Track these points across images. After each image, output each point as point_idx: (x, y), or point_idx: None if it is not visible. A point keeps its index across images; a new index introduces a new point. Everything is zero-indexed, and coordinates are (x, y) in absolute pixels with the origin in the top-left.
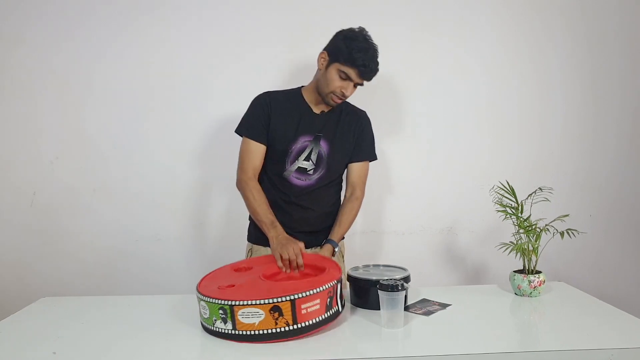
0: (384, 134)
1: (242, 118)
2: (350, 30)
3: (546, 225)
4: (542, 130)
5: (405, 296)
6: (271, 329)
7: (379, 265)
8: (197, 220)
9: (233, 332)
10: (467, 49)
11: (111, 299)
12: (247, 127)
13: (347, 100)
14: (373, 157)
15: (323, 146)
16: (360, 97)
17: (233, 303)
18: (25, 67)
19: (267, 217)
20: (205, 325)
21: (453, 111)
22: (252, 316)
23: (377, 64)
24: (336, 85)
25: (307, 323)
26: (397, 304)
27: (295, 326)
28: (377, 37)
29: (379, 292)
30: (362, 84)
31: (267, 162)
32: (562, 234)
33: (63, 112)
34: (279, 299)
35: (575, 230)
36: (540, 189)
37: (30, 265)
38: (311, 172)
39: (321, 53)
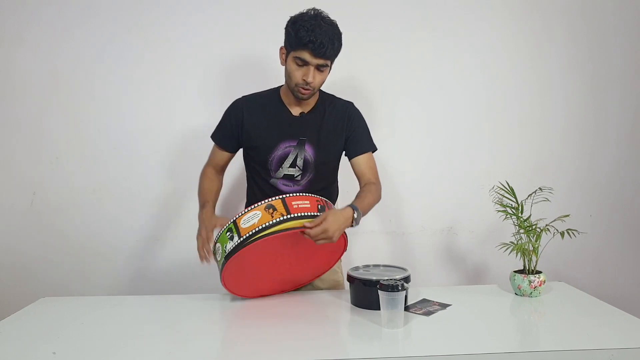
0: (384, 134)
1: (217, 125)
2: (298, 14)
3: (546, 225)
4: (542, 130)
5: (405, 296)
6: (269, 222)
7: (379, 265)
8: (197, 220)
9: (239, 240)
10: (467, 49)
11: (111, 299)
12: (216, 134)
13: (332, 93)
14: (373, 148)
15: (308, 150)
16: (360, 97)
17: (235, 218)
18: (26, 68)
19: (202, 199)
20: (220, 260)
21: (453, 111)
22: (251, 219)
23: (330, 37)
24: (297, 75)
25: (300, 214)
26: (397, 304)
27: (289, 215)
28: (377, 37)
29: (379, 292)
30: (325, 65)
31: (253, 170)
32: (562, 234)
33: (63, 113)
34: (271, 199)
35: (576, 230)
36: (540, 189)
37: (30, 265)
38: (299, 177)
39: (280, 49)
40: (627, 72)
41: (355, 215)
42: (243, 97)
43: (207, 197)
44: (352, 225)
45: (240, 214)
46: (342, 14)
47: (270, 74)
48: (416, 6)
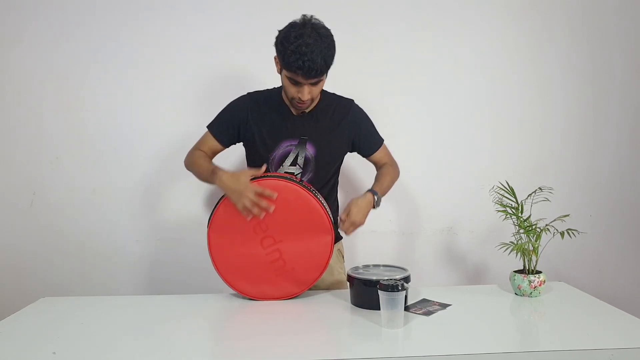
0: (384, 134)
1: (217, 115)
2: (286, 27)
3: (546, 225)
4: (542, 130)
5: (405, 296)
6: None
7: (379, 265)
8: (197, 220)
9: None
10: (467, 49)
11: (111, 299)
12: (215, 125)
13: (332, 92)
14: (382, 140)
15: (310, 149)
16: (359, 97)
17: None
18: (24, 67)
19: (208, 168)
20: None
21: (453, 111)
22: None
23: (322, 55)
24: (291, 91)
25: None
26: (397, 304)
27: (263, 175)
28: (377, 37)
29: (379, 292)
30: (319, 80)
31: (254, 167)
32: (562, 234)
33: (63, 112)
34: None
35: (576, 230)
36: (540, 189)
37: (30, 265)
38: (299, 176)
39: (274, 57)
40: (627, 72)
41: (376, 199)
42: (248, 94)
43: (211, 165)
44: (374, 207)
45: None
46: (342, 14)
47: (267, 74)
48: (416, 6)
